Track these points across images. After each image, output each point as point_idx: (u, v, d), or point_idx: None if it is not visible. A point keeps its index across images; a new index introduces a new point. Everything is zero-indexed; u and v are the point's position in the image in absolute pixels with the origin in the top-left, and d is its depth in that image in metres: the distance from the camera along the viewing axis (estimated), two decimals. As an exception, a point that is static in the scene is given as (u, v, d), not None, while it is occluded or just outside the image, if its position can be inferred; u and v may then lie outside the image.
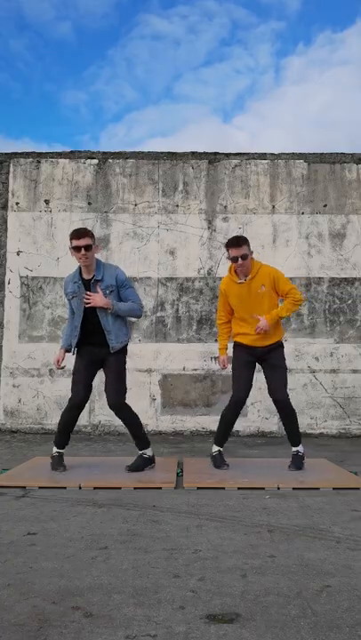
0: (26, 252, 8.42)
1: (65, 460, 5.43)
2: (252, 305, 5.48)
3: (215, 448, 5.63)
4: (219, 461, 5.53)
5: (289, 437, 5.63)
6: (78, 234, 5.15)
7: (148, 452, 5.51)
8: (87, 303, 5.15)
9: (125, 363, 5.43)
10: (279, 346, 5.60)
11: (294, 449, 5.60)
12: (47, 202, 8.52)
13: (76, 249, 5.12)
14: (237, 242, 5.41)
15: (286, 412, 5.52)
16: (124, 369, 5.41)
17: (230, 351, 5.77)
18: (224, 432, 5.65)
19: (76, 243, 5.11)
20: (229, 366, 5.78)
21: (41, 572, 2.88)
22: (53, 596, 2.58)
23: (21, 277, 8.39)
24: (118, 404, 5.31)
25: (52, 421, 8.11)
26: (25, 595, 2.60)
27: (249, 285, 5.47)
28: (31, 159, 8.61)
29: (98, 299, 5.13)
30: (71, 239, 5.17)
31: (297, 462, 5.50)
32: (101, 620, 2.34)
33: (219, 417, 5.76)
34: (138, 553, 3.18)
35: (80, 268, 5.30)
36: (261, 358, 5.55)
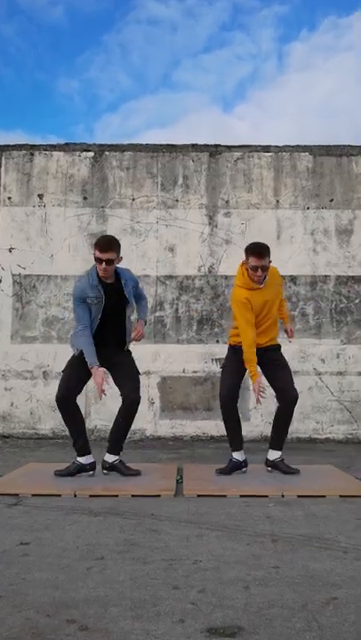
0: (18, 249, 8.42)
1: (58, 468, 5.48)
2: (269, 305, 5.49)
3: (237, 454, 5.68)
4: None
5: (279, 440, 5.67)
6: (102, 248, 5.25)
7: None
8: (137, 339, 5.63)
9: None
10: (279, 348, 5.67)
11: (279, 454, 5.65)
12: (41, 196, 8.52)
13: (98, 260, 5.26)
14: (262, 251, 5.37)
15: (291, 411, 5.56)
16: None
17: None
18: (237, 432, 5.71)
19: (98, 255, 5.24)
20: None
21: (34, 583, 2.89)
22: (47, 608, 2.59)
23: (14, 275, 8.38)
24: (139, 400, 5.50)
25: (46, 426, 8.11)
26: (18, 607, 2.60)
27: (267, 287, 5.49)
28: (24, 152, 8.61)
29: (143, 331, 5.71)
30: (95, 249, 5.32)
31: (287, 467, 5.59)
32: (97, 634, 2.34)
33: (220, 421, 5.79)
34: (135, 563, 3.18)
35: (96, 272, 5.36)
36: (259, 360, 5.54)
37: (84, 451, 5.46)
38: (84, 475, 5.42)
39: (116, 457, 5.50)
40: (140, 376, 5.61)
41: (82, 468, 5.44)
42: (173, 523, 4.00)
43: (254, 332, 5.38)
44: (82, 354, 5.34)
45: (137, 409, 5.49)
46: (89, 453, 5.49)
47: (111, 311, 5.37)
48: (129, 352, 5.61)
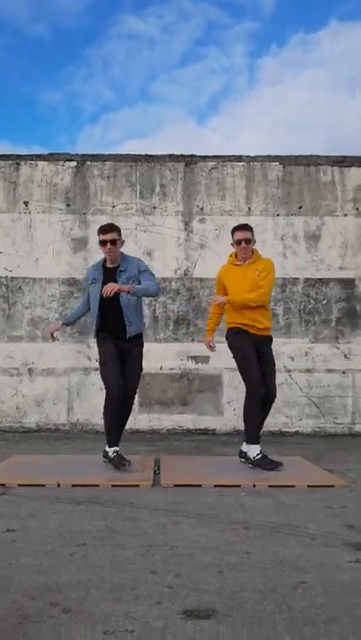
0: (5, 253, 8.37)
1: (43, 459, 5.40)
2: (242, 287, 5.53)
3: (258, 449, 5.49)
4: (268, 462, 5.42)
5: (253, 432, 5.56)
6: (104, 229, 5.48)
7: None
8: (104, 294, 5.14)
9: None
10: (270, 341, 5.73)
11: (258, 449, 5.47)
12: (26, 204, 8.47)
13: (102, 243, 5.44)
14: (244, 226, 5.74)
15: (268, 409, 5.58)
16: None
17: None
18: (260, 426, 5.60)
19: (102, 237, 5.43)
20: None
21: (20, 568, 2.87)
22: (32, 591, 2.58)
23: (1, 278, 8.33)
24: (131, 394, 5.56)
25: (32, 419, 8.07)
26: (4, 590, 2.59)
27: (246, 268, 5.61)
28: (10, 162, 8.56)
29: (111, 287, 5.10)
30: (98, 234, 5.49)
31: (269, 463, 5.42)
32: (80, 616, 2.34)
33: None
34: (115, 549, 3.18)
35: (105, 258, 5.55)
36: (257, 349, 5.56)
37: (115, 444, 5.47)
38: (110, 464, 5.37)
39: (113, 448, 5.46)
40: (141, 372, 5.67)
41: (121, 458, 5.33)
42: (151, 511, 4.00)
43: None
44: (104, 343, 5.45)
45: (129, 401, 5.55)
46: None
47: (110, 298, 5.23)
48: (140, 349, 5.60)
